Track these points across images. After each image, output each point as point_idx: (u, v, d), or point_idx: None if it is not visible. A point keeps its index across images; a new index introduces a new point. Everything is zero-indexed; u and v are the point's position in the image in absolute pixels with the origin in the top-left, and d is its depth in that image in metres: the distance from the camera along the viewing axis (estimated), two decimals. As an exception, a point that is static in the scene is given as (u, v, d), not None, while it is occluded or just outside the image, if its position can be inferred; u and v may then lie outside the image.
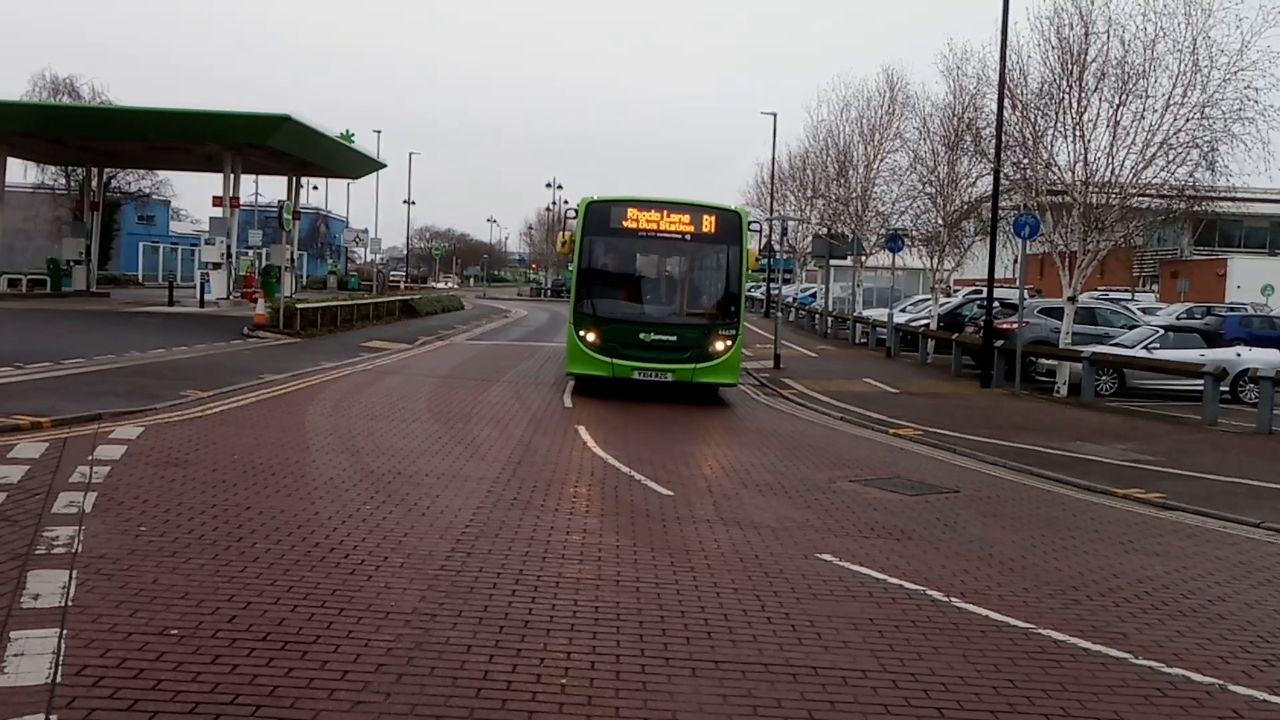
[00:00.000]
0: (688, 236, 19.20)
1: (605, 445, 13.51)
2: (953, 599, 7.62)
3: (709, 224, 19.25)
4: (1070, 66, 23.34)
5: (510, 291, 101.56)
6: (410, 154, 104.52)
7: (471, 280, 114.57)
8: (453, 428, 14.45)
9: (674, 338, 18.89)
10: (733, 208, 20.02)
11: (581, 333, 18.93)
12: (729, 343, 19.07)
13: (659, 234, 19.11)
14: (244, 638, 6.05)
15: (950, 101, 32.46)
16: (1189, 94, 21.88)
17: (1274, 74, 21.25)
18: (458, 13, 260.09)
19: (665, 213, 19.11)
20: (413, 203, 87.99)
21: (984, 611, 7.38)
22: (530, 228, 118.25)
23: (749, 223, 20.08)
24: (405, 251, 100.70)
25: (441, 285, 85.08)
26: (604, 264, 19.70)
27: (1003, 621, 7.18)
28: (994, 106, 25.35)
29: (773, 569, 8.28)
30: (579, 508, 10.10)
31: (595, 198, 19.43)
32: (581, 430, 14.79)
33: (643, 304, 19.63)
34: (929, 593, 7.75)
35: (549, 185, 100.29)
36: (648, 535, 9.14)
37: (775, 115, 57.68)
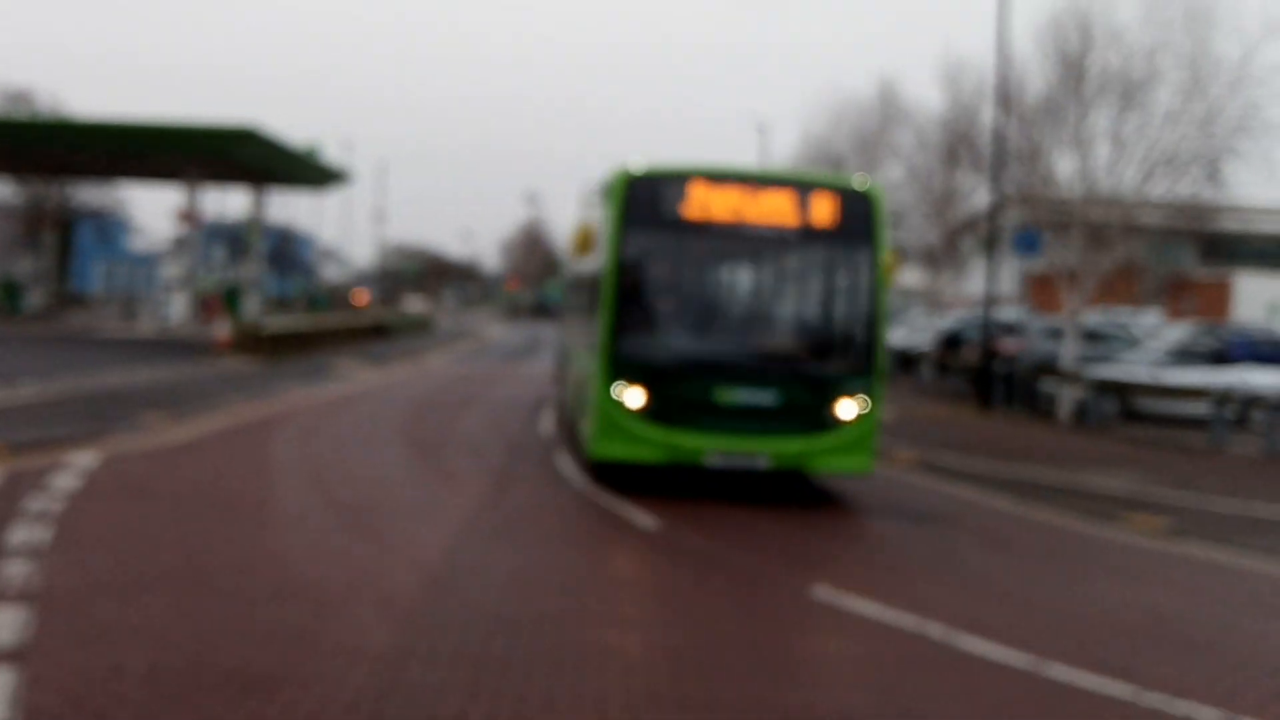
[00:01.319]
0: (792, 231, 11.81)
1: (586, 471, 13.18)
2: (955, 633, 7.33)
3: (826, 209, 11.73)
4: (1069, 78, 23.22)
5: (487, 311, 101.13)
6: (381, 169, 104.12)
7: (445, 300, 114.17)
8: (426, 456, 14.08)
9: (773, 397, 11.61)
10: (860, 184, 12.26)
11: (620, 390, 11.54)
12: (861, 404, 11.73)
13: (745, 227, 11.73)
14: (207, 678, 5.71)
15: (946, 113, 32.30)
16: (1190, 105, 21.84)
17: (1275, 88, 21.22)
18: (433, 25, 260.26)
19: (754, 190, 11.72)
20: (385, 217, 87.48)
21: (987, 645, 7.10)
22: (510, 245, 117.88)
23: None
24: (375, 270, 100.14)
25: (415, 305, 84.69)
26: (655, 277, 12.30)
27: (1006, 657, 6.91)
28: (991, 119, 25.18)
29: (760, 600, 8.00)
30: (558, 540, 9.77)
31: (638, 169, 11.78)
32: (560, 457, 14.45)
33: (721, 342, 12.18)
34: (928, 626, 7.47)
35: (526, 200, 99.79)
36: (631, 567, 8.83)
37: (760, 130, 57.69)
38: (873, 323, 11.88)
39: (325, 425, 16.43)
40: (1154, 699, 6.25)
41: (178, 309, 42.40)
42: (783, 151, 52.78)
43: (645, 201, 11.71)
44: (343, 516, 10.14)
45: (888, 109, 38.55)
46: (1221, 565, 10.27)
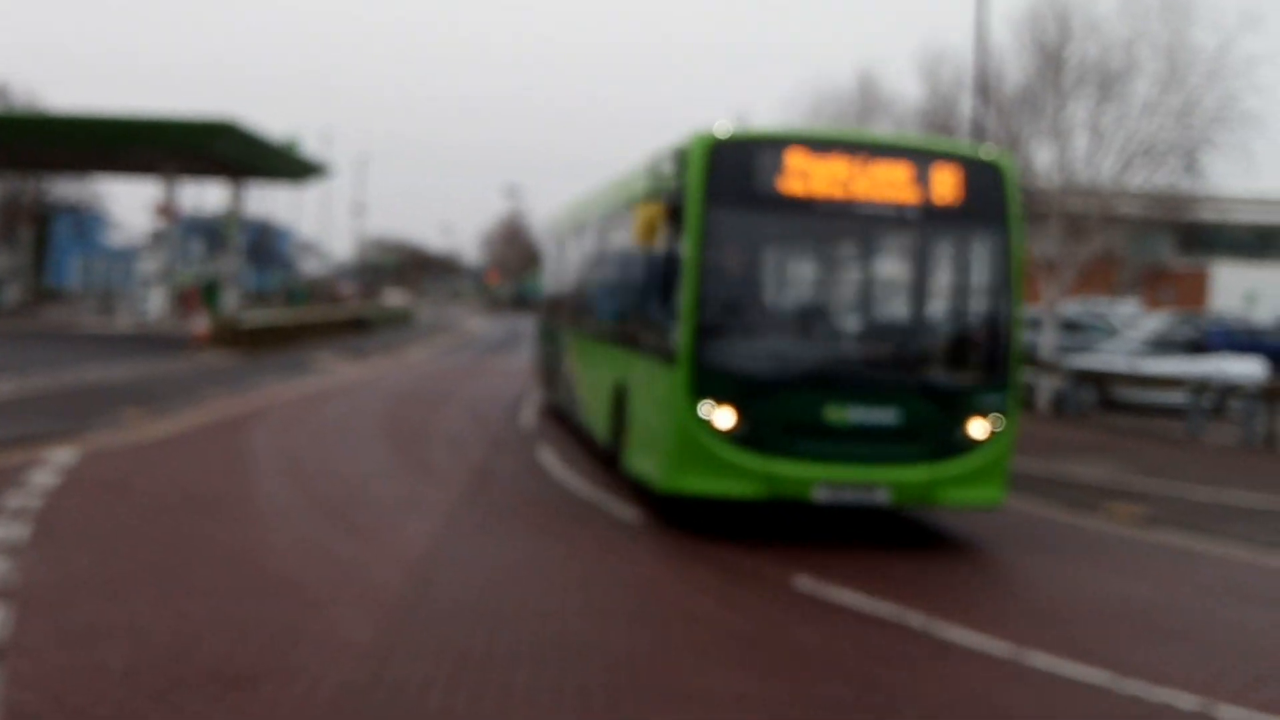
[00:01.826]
0: (913, 209, 9.71)
1: (568, 464, 13.18)
2: (935, 621, 7.37)
3: (950, 184, 9.70)
4: (1048, 68, 23.31)
5: (467, 303, 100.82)
6: (361, 162, 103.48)
7: (426, 293, 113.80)
8: (407, 449, 14.05)
9: (895, 415, 9.58)
10: (988, 153, 10.41)
11: (706, 409, 9.37)
12: (995, 422, 9.76)
13: (856, 205, 9.58)
14: (189, 675, 5.69)
15: (925, 104, 32.31)
16: (1167, 96, 21.98)
17: (1252, 79, 21.39)
18: (414, 19, 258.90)
19: (865, 160, 9.61)
20: (365, 211, 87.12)
21: (968, 634, 7.14)
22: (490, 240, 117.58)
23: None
24: (355, 263, 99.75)
25: (395, 298, 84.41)
26: (746, 267, 10.16)
27: (987, 645, 6.96)
28: (970, 109, 25.24)
29: (743, 593, 8.02)
30: (541, 533, 9.77)
31: (723, 133, 9.70)
32: (544, 451, 14.44)
33: (830, 347, 10.29)
34: (908, 615, 7.50)
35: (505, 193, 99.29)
36: (614, 560, 8.84)
37: (738, 121, 57.53)
38: (1007, 323, 9.86)
39: (305, 420, 16.38)
40: (1133, 686, 6.31)
41: (156, 304, 42.09)
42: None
43: (733, 173, 9.50)
44: (324, 511, 10.11)
45: (867, 100, 38.52)
46: (1199, 553, 10.35)
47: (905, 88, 53.88)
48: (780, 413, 9.42)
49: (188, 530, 9.00)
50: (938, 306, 10.46)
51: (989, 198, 9.79)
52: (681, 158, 9.79)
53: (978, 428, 9.69)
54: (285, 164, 48.62)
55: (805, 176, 9.52)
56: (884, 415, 9.57)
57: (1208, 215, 32.76)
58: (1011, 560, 9.68)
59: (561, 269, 18.46)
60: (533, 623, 6.97)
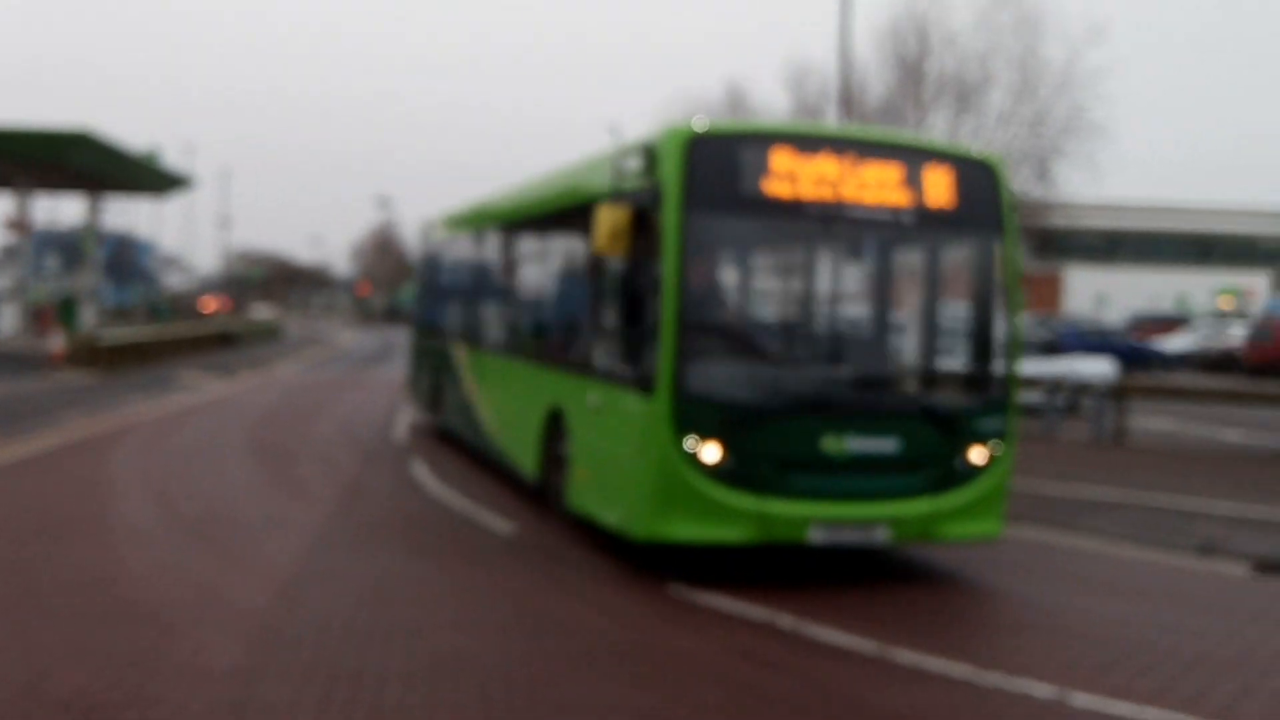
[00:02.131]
0: (908, 213, 8.80)
1: (442, 478, 13.05)
2: (804, 623, 7.51)
3: (944, 186, 8.86)
4: (908, 81, 24.03)
5: (339, 317, 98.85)
6: (225, 173, 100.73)
7: (296, 306, 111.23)
8: (276, 467, 13.73)
9: (895, 443, 8.67)
10: (979, 153, 9.52)
11: (692, 443, 8.25)
12: (994, 448, 8.99)
13: (849, 208, 8.64)
14: (40, 707, 5.47)
15: (792, 115, 32.96)
16: (1020, 107, 22.86)
17: (1098, 91, 22.39)
18: (276, 25, 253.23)
19: (856, 159, 8.66)
20: (230, 223, 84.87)
21: (835, 634, 7.30)
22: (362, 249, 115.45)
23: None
24: (221, 277, 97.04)
25: (263, 312, 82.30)
26: (731, 280, 9.73)
27: (854, 644, 7.12)
28: (838, 119, 25.83)
29: (617, 600, 8.06)
30: (413, 548, 9.66)
31: (702, 127, 8.64)
32: (418, 465, 14.26)
33: (824, 369, 9.09)
34: (779, 617, 7.63)
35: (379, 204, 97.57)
36: (487, 573, 8.79)
37: (612, 132, 57.85)
38: (1006, 337, 9.07)
39: (168, 439, 15.88)
40: (993, 677, 6.52)
41: (8, 321, 40.33)
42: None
43: (714, 173, 8.41)
44: (187, 532, 9.82)
45: (735, 110, 39.20)
46: (1051, 546, 10.76)
47: (773, 99, 54.92)
48: (773, 445, 8.36)
49: (40, 556, 8.64)
50: (935, 321, 9.48)
51: (984, 200, 9.02)
52: (652, 155, 8.62)
53: (978, 454, 8.85)
54: (145, 176, 47.03)
55: (792, 178, 8.48)
56: (884, 444, 8.61)
57: (1059, 221, 34.29)
58: (876, 558, 9.91)
59: (453, 279, 16.82)
60: (404, 639, 6.89)
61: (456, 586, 8.33)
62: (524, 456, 11.56)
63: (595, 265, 9.67)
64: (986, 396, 9.08)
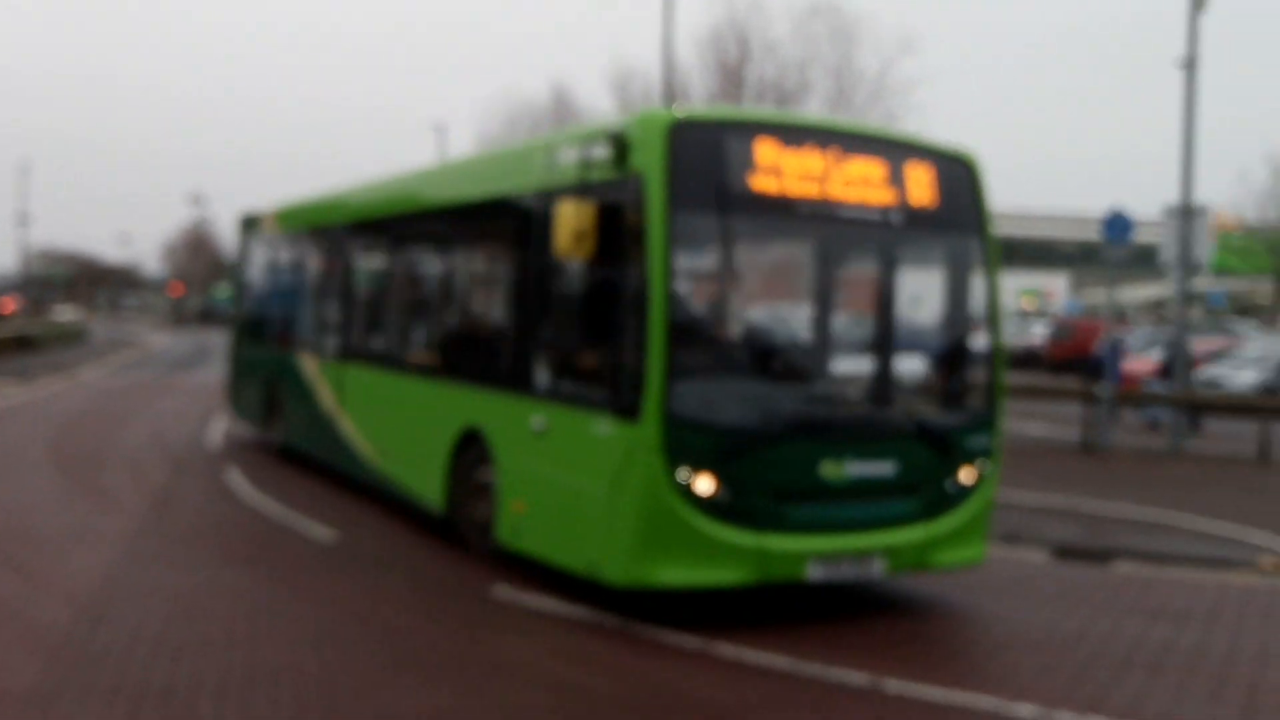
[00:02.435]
0: (896, 213, 8.10)
1: (259, 485, 12.62)
2: (631, 622, 7.57)
3: (926, 183, 8.21)
4: (729, 86, 24.53)
5: (150, 318, 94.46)
6: (23, 168, 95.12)
7: (102, 307, 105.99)
8: (81, 477, 13.04)
9: (891, 466, 7.96)
10: (957, 149, 8.56)
11: (684, 474, 7.29)
12: (981, 466, 8.33)
13: (838, 207, 7.90)
14: None
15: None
16: (836, 114, 23.58)
17: (909, 100, 23.30)
18: (76, 5, 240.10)
19: (841, 152, 7.92)
20: (29, 220, 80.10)
21: (662, 631, 7.38)
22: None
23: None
24: (20, 276, 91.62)
25: (66, 314, 78.09)
26: (719, 288, 8.52)
27: (679, 641, 7.22)
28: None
29: (441, 605, 7.97)
30: (228, 559, 9.32)
31: (683, 114, 7.75)
32: (233, 472, 13.76)
33: (820, 386, 8.63)
34: (605, 617, 7.67)
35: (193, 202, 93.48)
36: (307, 581, 8.56)
37: (437, 129, 57.13)
38: (992, 348, 8.48)
39: (-41, 449, 14.90)
40: (811, 669, 6.72)
41: None
42: (460, 153, 52.54)
43: (699, 165, 7.48)
44: (-20, 548, 9.24)
45: (561, 112, 39.33)
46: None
47: (598, 102, 55.26)
48: (769, 473, 7.50)
49: None
50: (923, 330, 8.82)
51: (965, 198, 8.40)
52: (624, 143, 7.55)
53: (967, 474, 8.19)
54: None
55: (781, 172, 7.66)
56: (881, 467, 7.88)
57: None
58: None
59: (296, 281, 14.85)
60: (218, 652, 6.64)
61: (274, 596, 8.09)
62: (423, 485, 10.17)
63: (538, 269, 8.52)
64: (974, 411, 8.42)
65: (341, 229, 13.20)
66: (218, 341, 44.67)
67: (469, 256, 10.65)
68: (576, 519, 7.87)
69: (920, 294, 8.76)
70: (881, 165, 8.00)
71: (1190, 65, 18.83)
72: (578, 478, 7.87)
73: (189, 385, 27.27)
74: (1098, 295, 55.30)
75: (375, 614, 7.72)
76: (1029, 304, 62.97)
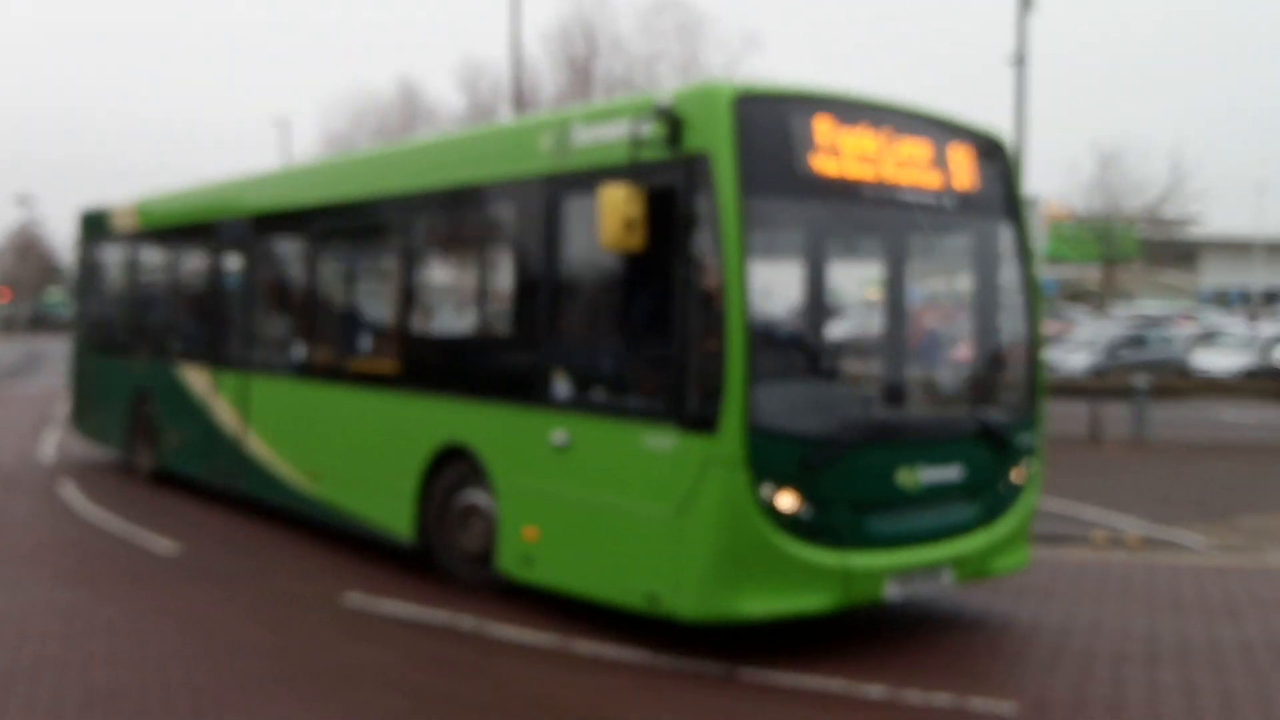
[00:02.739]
0: (948, 198, 7.56)
1: (97, 499, 12.07)
2: (486, 623, 7.50)
3: (968, 165, 7.69)
4: (578, 82, 24.53)
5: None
6: None
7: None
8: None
9: (958, 469, 7.39)
10: (988, 129, 8.01)
11: (769, 490, 6.54)
12: (1028, 465, 7.82)
13: (896, 191, 7.28)
14: None
15: (466, 114, 32.85)
16: None
17: None
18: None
19: (893, 133, 7.31)
20: None
21: (518, 631, 7.34)
22: None
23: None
24: None
25: None
26: (793, 282, 8.26)
27: (536, 639, 7.19)
28: (512, 118, 25.99)
29: (290, 616, 7.77)
30: (63, 577, 8.90)
31: (745, 88, 6.79)
32: (68, 486, 13.13)
33: (891, 386, 8.08)
34: (459, 619, 7.58)
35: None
36: (149, 597, 8.23)
37: (279, 125, 55.54)
38: (1034, 340, 7.94)
39: None
40: (669, 661, 6.77)
41: None
42: (304, 150, 51.31)
43: (768, 145, 6.73)
44: None
45: (410, 108, 38.77)
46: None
47: (447, 97, 54.70)
48: (848, 484, 6.82)
49: None
50: (974, 321, 8.21)
51: (1002, 182, 7.87)
52: (678, 120, 6.69)
53: (1018, 475, 7.68)
54: None
55: (839, 152, 6.99)
56: (950, 472, 7.29)
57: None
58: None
59: (171, 283, 13.34)
60: (52, 677, 6.33)
61: (114, 614, 7.74)
62: (380, 512, 9.08)
63: (553, 264, 7.65)
64: (1022, 407, 7.85)
65: (245, 223, 11.49)
66: (51, 349, 42.65)
67: (445, 253, 9.61)
68: (622, 547, 7.01)
69: (971, 282, 8.19)
70: (929, 145, 7.44)
71: (1020, 62, 19.65)
72: (623, 499, 7.00)
73: (20, 395, 25.96)
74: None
75: (221, 628, 7.48)
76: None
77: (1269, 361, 28.23)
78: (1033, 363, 7.92)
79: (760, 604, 6.57)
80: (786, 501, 6.55)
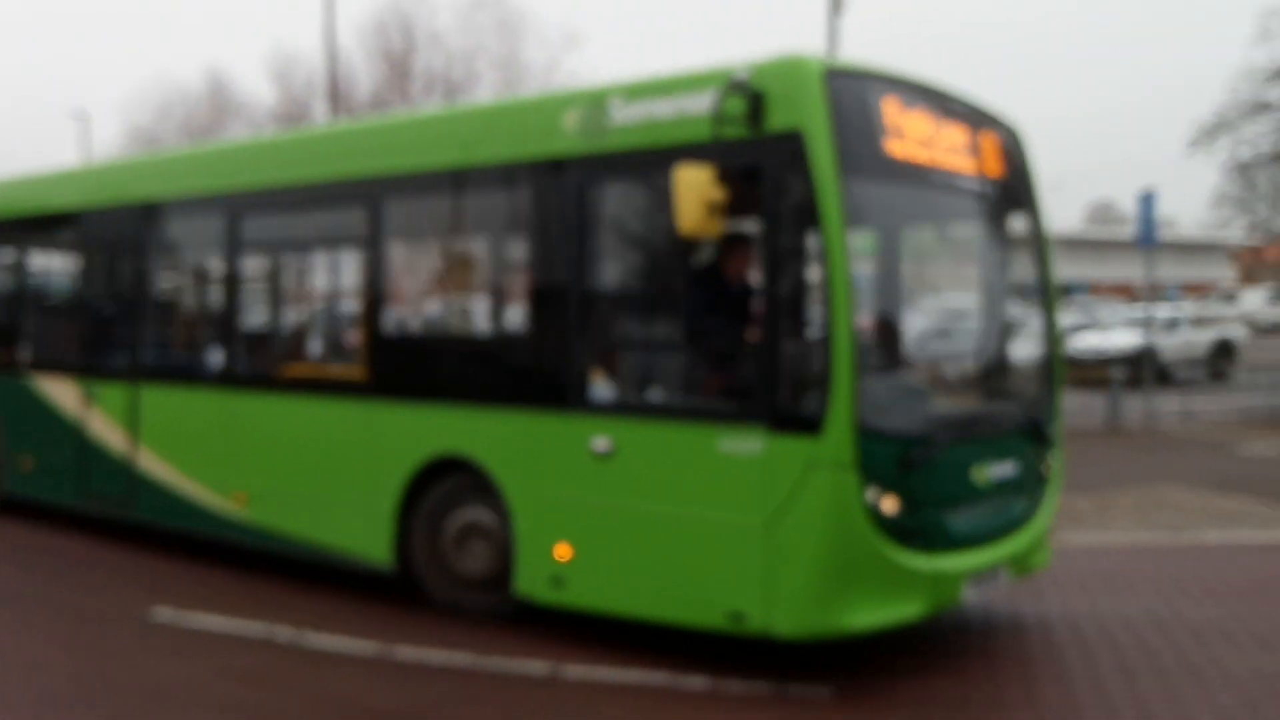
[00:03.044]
0: (989, 184, 7.40)
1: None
2: (303, 633, 7.30)
3: (999, 152, 7.47)
4: (395, 76, 24.18)
5: None
6: None
7: None
8: None
9: (1015, 465, 7.19)
10: (1007, 117, 7.75)
11: (874, 494, 6.14)
12: (1053, 457, 7.64)
13: (955, 176, 7.08)
14: None
15: (279, 107, 31.86)
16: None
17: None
18: None
19: (942, 116, 7.02)
20: None
21: (336, 640, 7.17)
22: None
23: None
24: None
25: None
26: (882, 269, 7.59)
27: (355, 648, 7.04)
28: (327, 113, 25.31)
29: (94, 634, 7.40)
30: None
31: (830, 62, 6.43)
32: None
33: (965, 381, 8.09)
34: (275, 630, 7.36)
35: None
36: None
37: (79, 118, 52.82)
38: (1055, 330, 7.76)
39: None
40: (493, 663, 6.73)
41: None
42: (106, 146, 48.95)
43: (858, 125, 6.33)
44: None
45: (218, 101, 37.40)
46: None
47: (259, 90, 52.97)
48: (935, 484, 6.50)
49: None
50: (1015, 311, 7.99)
51: (1027, 170, 7.70)
52: (761, 94, 6.17)
53: (1047, 468, 7.48)
54: None
55: (907, 135, 6.62)
56: (1009, 467, 7.03)
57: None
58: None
59: (23, 281, 11.65)
60: None
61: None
62: (346, 537, 8.15)
63: (596, 253, 7.02)
64: (1049, 397, 7.61)
65: (134, 212, 10.00)
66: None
67: (428, 244, 8.73)
68: (690, 562, 6.46)
69: (1005, 271, 7.89)
70: (969, 131, 7.18)
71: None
72: (689, 509, 6.44)
73: None
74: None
75: (17, 651, 7.06)
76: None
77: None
78: (1055, 354, 7.77)
79: (865, 616, 6.12)
80: (890, 504, 6.19)
